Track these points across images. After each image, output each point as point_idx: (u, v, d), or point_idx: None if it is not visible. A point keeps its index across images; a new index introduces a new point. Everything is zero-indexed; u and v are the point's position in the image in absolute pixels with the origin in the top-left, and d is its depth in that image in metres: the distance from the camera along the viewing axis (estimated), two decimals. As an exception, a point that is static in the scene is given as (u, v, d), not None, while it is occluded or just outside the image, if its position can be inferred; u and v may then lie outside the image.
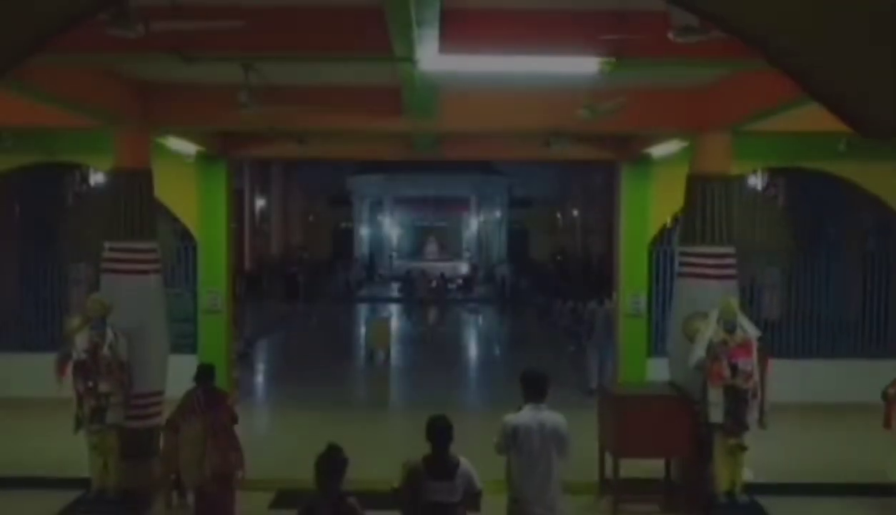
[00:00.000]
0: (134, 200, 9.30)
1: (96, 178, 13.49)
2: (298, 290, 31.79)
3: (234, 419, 8.08)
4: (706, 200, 9.21)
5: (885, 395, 8.80)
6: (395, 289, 35.64)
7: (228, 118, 9.03)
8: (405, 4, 4.72)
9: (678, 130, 9.62)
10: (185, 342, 12.71)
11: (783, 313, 14.43)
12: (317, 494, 4.94)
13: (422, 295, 32.39)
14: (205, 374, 8.05)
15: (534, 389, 6.32)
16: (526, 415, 6.27)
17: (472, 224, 44.47)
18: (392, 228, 44.63)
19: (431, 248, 43.41)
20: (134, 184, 9.34)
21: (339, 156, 16.56)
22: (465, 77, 7.41)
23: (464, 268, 40.24)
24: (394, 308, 31.59)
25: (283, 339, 23.14)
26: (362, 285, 37.50)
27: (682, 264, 9.60)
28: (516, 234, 44.11)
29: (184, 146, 11.45)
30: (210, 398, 7.93)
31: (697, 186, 9.29)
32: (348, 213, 43.69)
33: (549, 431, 6.20)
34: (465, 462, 5.70)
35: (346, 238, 44.04)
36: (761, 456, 9.14)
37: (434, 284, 34.15)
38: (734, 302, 8.65)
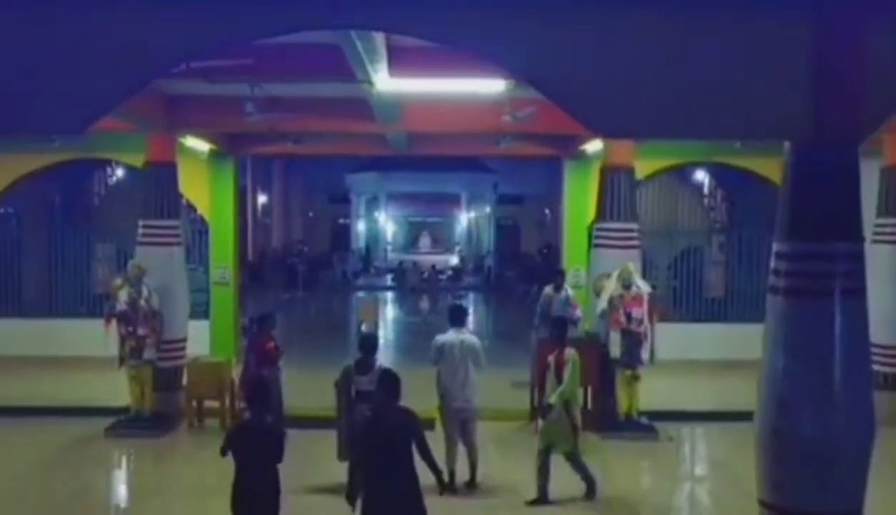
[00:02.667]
0: (162, 187, 11.80)
1: (122, 172, 16.04)
2: (298, 280, 34.28)
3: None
4: (613, 186, 11.69)
5: None
6: (389, 280, 38.16)
7: (237, 123, 11.50)
8: (355, 47, 7.18)
9: (587, 131, 12.09)
10: (199, 310, 15.16)
11: (726, 285, 16.77)
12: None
13: (412, 284, 34.97)
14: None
15: (456, 317, 8.84)
16: (450, 335, 8.78)
17: (463, 219, 46.90)
18: (387, 223, 47.06)
19: (424, 241, 45.89)
20: (162, 174, 11.84)
21: (328, 152, 19.11)
22: (422, 90, 9.84)
23: (454, 260, 42.64)
24: (387, 297, 34.11)
25: (281, 319, 25.57)
26: (358, 276, 39.92)
27: (596, 237, 12.09)
28: (507, 228, 46.48)
29: (199, 145, 13.94)
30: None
31: (607, 175, 11.77)
32: (346, 209, 46.08)
33: (466, 347, 8.72)
34: (382, 363, 8.22)
35: (343, 232, 46.42)
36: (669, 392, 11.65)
37: (425, 275, 36.78)
38: (631, 266, 11.11)
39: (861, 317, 5.60)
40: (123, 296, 11.00)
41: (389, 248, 46.06)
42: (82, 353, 13.88)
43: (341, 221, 46.82)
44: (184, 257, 12.28)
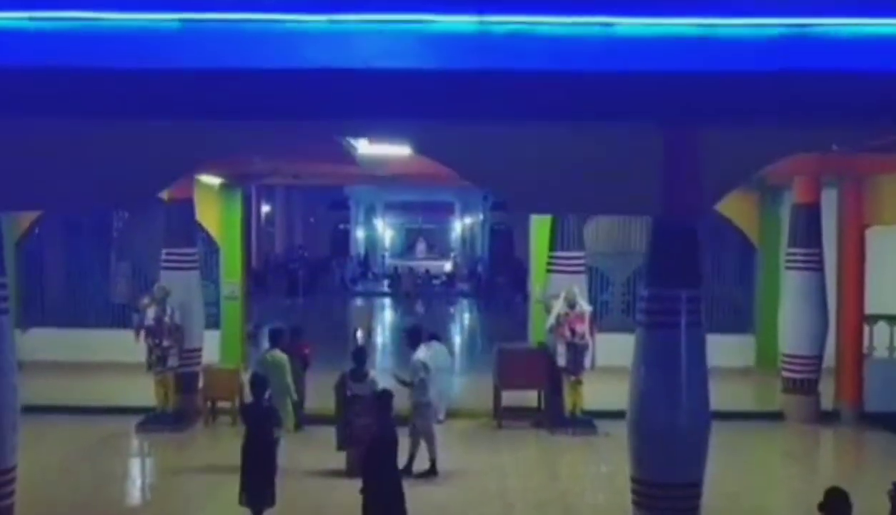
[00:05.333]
0: (182, 220, 13.98)
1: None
2: (299, 286, 36.46)
3: None
4: (563, 221, 13.85)
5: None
6: (385, 285, 40.32)
7: (245, 166, 13.68)
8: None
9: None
10: (210, 321, 17.30)
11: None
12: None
13: (407, 289, 37.14)
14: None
15: (419, 337, 10.97)
16: (423, 352, 10.90)
17: (457, 226, 49.01)
18: (385, 229, 49.21)
19: (420, 247, 47.97)
20: (182, 209, 14.01)
21: (325, 183, 21.44)
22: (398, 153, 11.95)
23: (448, 266, 44.75)
24: (384, 303, 36.28)
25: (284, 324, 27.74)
26: (357, 281, 42.05)
27: (548, 263, 14.25)
28: (501, 233, 48.51)
29: (211, 179, 16.12)
30: None
31: (558, 211, 13.93)
32: (346, 214, 48.26)
33: (444, 353, 10.86)
34: (373, 373, 10.36)
35: (343, 238, 48.51)
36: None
37: (419, 280, 38.96)
38: (576, 289, 13.27)
39: (699, 342, 7.72)
40: (151, 313, 13.17)
41: (387, 254, 48.23)
42: (104, 358, 16.36)
43: (341, 226, 49.02)
44: (199, 280, 14.46)
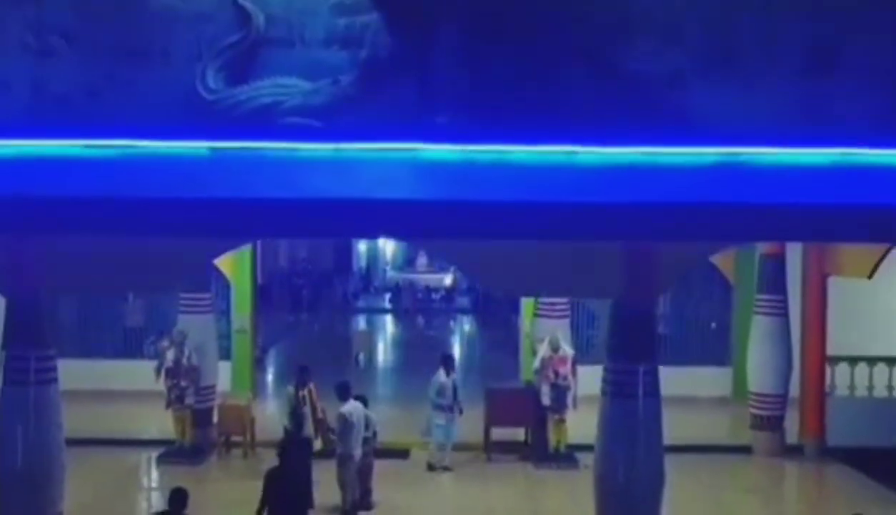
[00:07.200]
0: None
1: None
2: (302, 301, 37.70)
3: None
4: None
5: None
6: (386, 299, 41.50)
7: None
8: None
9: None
10: (222, 353, 18.52)
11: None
12: None
13: (406, 305, 38.38)
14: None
15: (348, 392, 11.88)
16: (348, 406, 11.74)
17: (457, 240, 50.10)
18: (386, 242, 50.31)
19: (421, 261, 49.14)
20: (198, 258, 15.21)
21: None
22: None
23: (447, 280, 45.89)
24: (385, 318, 37.51)
25: (289, 347, 28.84)
26: (358, 296, 43.22)
27: (536, 309, 15.45)
28: (501, 246, 49.73)
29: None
30: None
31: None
32: (348, 228, 49.32)
33: (362, 411, 11.82)
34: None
35: (346, 252, 49.75)
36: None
37: (420, 295, 40.20)
38: (559, 333, 14.46)
39: (656, 410, 8.92)
40: (170, 355, 14.39)
41: (388, 266, 49.42)
42: (118, 387, 17.69)
43: (344, 240, 50.11)
44: (214, 321, 15.69)
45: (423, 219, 7.27)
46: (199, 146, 7.70)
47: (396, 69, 7.88)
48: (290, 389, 12.73)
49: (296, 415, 12.37)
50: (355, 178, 7.42)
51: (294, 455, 9.98)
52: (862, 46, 7.98)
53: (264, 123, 7.80)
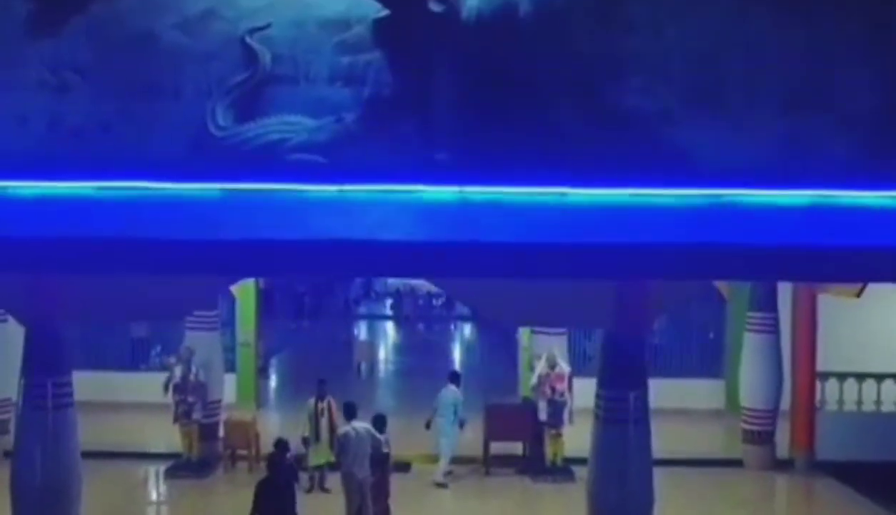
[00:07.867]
0: (204, 286, 15.59)
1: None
2: (304, 309, 38.17)
3: None
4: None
5: None
6: (388, 306, 41.94)
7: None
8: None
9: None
10: (227, 365, 18.92)
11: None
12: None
13: (407, 312, 38.82)
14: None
15: (354, 411, 12.16)
16: (347, 426, 12.00)
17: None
18: (387, 248, 50.73)
19: (422, 266, 49.64)
20: (204, 276, 15.63)
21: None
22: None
23: (448, 286, 46.33)
24: (386, 324, 37.93)
25: (291, 356, 29.24)
26: (359, 302, 43.69)
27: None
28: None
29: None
30: None
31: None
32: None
33: (364, 431, 11.98)
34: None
35: (347, 257, 50.12)
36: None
37: (421, 301, 40.64)
38: (556, 350, 14.87)
39: (645, 435, 9.30)
40: (178, 372, 14.81)
41: (389, 272, 49.77)
42: (125, 399, 18.20)
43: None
44: (220, 338, 16.12)
45: (423, 260, 7.66)
46: (210, 188, 8.08)
47: (398, 107, 8.24)
48: (311, 402, 13.68)
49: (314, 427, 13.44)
50: (359, 219, 7.80)
51: (282, 468, 10.40)
52: (842, 88, 8.34)
53: (271, 158, 8.14)
